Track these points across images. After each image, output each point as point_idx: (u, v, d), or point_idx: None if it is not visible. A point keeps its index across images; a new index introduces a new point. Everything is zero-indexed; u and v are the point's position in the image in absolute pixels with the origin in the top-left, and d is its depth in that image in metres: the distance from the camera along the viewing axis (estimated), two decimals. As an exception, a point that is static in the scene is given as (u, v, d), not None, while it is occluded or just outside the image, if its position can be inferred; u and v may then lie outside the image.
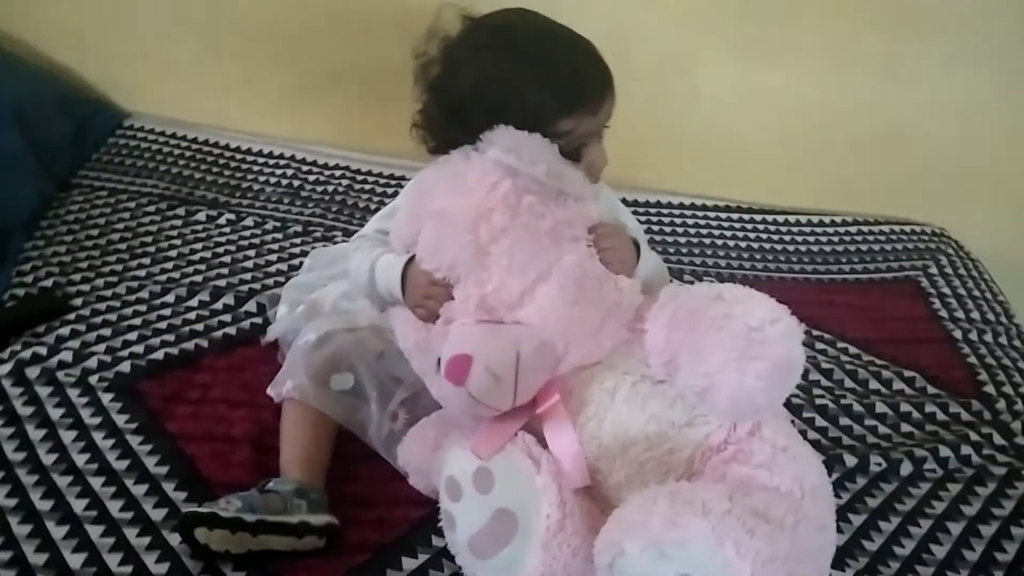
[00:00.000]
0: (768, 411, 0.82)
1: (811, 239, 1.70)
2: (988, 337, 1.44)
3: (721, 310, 0.80)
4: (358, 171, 1.78)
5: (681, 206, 1.77)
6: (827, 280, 1.59)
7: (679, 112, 1.77)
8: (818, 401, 1.25)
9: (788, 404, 1.22)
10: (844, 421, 1.23)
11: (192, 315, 1.31)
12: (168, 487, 1.02)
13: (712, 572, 0.68)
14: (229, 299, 1.34)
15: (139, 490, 1.02)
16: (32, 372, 1.15)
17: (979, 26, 1.60)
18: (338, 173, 1.77)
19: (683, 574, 0.68)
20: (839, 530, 1.03)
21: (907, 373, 1.33)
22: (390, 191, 1.71)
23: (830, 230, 1.72)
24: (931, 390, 1.31)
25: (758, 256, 1.64)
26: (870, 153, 1.73)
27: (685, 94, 1.75)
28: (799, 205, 1.78)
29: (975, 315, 1.51)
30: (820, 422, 1.22)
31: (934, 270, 1.62)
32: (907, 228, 1.73)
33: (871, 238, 1.71)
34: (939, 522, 1.08)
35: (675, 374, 0.83)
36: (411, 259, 0.93)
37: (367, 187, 1.74)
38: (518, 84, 0.92)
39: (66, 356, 1.18)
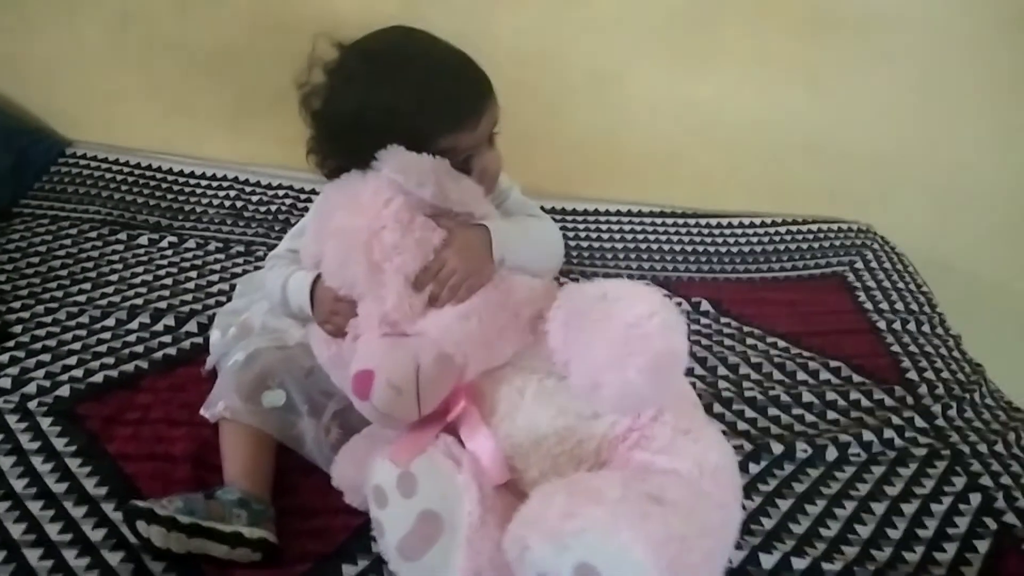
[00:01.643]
0: (657, 401, 0.86)
1: (743, 240, 1.75)
2: (911, 326, 1.50)
3: (603, 309, 0.83)
4: (301, 190, 1.80)
5: (618, 213, 1.81)
6: (758, 279, 1.65)
7: (613, 122, 1.82)
8: (747, 393, 1.29)
9: (719, 397, 1.27)
10: (772, 411, 1.27)
11: (132, 337, 1.32)
12: (107, 508, 1.03)
13: (610, 557, 0.71)
14: (170, 320, 1.36)
15: (78, 512, 1.02)
16: (-32, 401, 1.16)
17: (895, 29, 1.68)
18: (281, 193, 1.79)
19: (584, 562, 0.72)
20: (766, 515, 1.09)
21: (833, 363, 1.38)
22: (333, 209, 1.73)
23: (760, 231, 1.78)
24: (856, 378, 1.36)
25: (692, 259, 1.69)
26: (798, 155, 1.79)
27: (619, 104, 1.80)
28: (731, 208, 1.83)
29: (899, 306, 1.57)
30: (749, 413, 1.26)
31: (860, 265, 1.68)
32: (835, 226, 1.79)
33: (799, 237, 1.77)
34: (863, 503, 1.12)
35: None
36: (318, 277, 0.96)
37: (311, 206, 1.75)
38: (392, 110, 0.94)
39: (4, 383, 1.19)
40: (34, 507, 1.03)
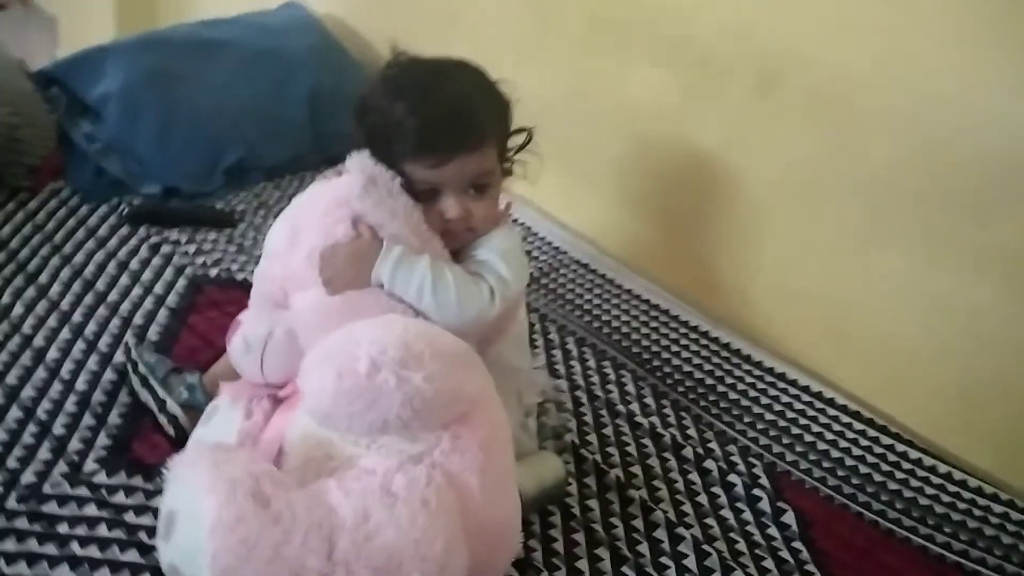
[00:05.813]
0: (348, 425, 0.87)
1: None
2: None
3: (346, 332, 0.89)
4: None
5: (835, 404, 1.53)
6: (862, 518, 1.29)
7: (848, 306, 1.57)
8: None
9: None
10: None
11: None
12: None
13: (186, 511, 0.78)
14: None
15: (132, 341, 1.39)
16: (167, 248, 1.63)
17: None
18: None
19: (172, 508, 0.79)
20: None
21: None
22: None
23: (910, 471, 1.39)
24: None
25: (826, 460, 1.40)
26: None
27: (856, 288, 1.56)
28: (915, 427, 1.49)
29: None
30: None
31: (991, 556, 1.24)
32: (998, 504, 1.32)
33: (944, 489, 1.36)
34: None
35: None
36: None
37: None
38: (386, 118, 1.04)
39: (192, 248, 1.64)
40: (117, 322, 1.43)
